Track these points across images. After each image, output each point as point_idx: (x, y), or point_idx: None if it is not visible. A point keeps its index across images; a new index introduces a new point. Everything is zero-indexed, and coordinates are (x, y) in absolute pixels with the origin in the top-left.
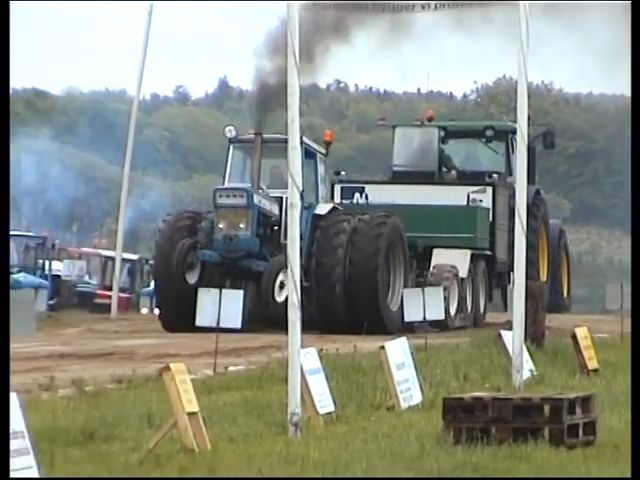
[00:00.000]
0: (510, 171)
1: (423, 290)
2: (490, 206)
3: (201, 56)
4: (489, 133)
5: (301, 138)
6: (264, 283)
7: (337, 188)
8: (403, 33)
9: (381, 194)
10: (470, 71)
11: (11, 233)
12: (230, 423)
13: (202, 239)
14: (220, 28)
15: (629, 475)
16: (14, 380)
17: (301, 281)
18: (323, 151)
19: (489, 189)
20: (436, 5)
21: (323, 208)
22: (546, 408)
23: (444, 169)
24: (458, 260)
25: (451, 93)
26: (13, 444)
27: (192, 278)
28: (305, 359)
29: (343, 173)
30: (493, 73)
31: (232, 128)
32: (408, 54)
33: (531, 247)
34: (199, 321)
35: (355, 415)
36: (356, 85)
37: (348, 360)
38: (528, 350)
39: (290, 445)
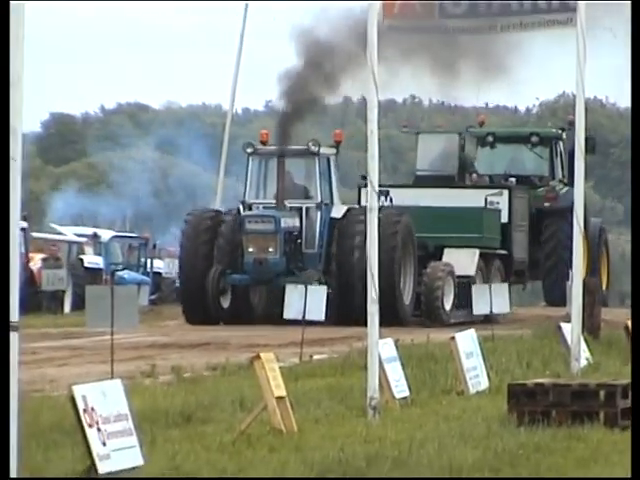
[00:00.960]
0: (553, 174)
1: (490, 286)
2: (506, 208)
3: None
4: (534, 139)
5: (318, 151)
6: None
7: (363, 192)
8: (470, 52)
9: (404, 197)
10: (533, 88)
11: (116, 234)
12: (315, 406)
13: (222, 256)
14: None
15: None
16: (119, 368)
17: (325, 282)
18: (334, 151)
19: (505, 192)
20: (501, 27)
21: (339, 210)
22: (601, 393)
23: (467, 173)
24: (466, 259)
25: (516, 107)
26: (118, 426)
27: (225, 302)
28: (383, 348)
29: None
30: (555, 90)
31: (250, 143)
32: (476, 72)
33: (566, 248)
34: (286, 314)
35: (428, 399)
36: (430, 99)
37: (422, 349)
38: (585, 341)
39: (369, 426)
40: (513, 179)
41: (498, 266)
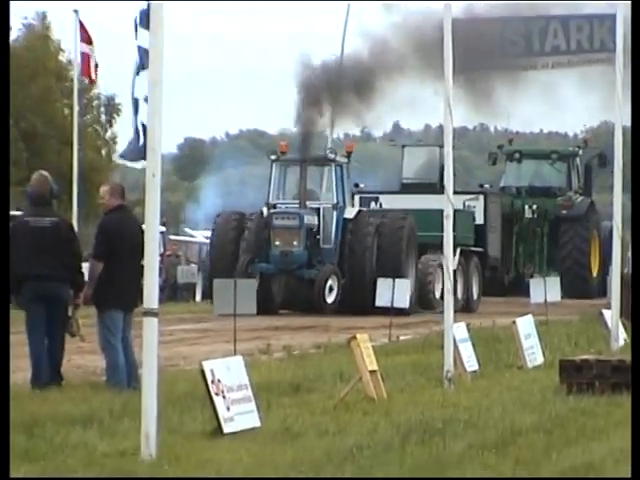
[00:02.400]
0: (570, 186)
1: (544, 279)
2: (482, 211)
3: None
4: (554, 156)
5: (334, 158)
6: (316, 288)
7: (356, 198)
8: (529, 87)
9: (392, 202)
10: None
11: None
12: (400, 378)
13: (249, 248)
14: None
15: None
16: (240, 346)
17: (339, 277)
18: (346, 160)
19: (481, 197)
20: (553, 64)
21: (351, 212)
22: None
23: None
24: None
25: (566, 133)
26: (239, 394)
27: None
28: (457, 330)
29: (362, 186)
30: (598, 118)
31: (274, 151)
32: (532, 103)
33: (580, 250)
34: (378, 302)
35: (493, 372)
36: (495, 127)
37: (489, 332)
38: (623, 324)
39: (445, 394)
40: (487, 185)
41: (476, 262)
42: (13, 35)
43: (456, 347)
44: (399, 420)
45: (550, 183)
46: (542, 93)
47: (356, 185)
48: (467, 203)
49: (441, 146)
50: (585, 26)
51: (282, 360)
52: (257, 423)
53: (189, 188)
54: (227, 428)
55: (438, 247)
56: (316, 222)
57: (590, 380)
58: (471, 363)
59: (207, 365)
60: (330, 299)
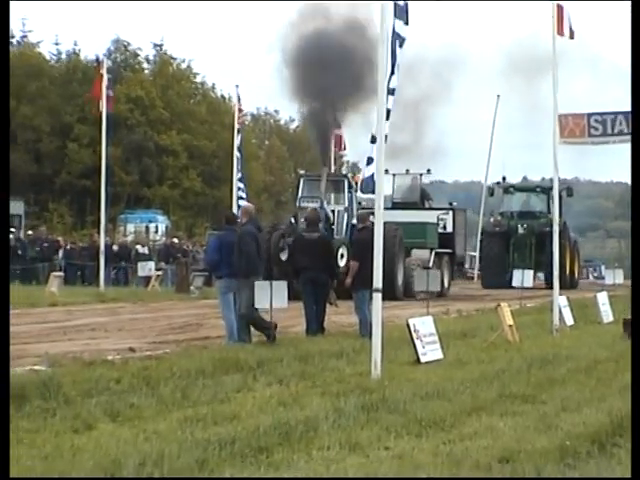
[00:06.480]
0: (549, 210)
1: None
2: (451, 222)
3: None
4: (537, 189)
5: (347, 176)
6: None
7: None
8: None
9: (386, 216)
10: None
11: None
12: (527, 329)
13: (286, 230)
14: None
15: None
16: (431, 310)
17: (348, 248)
18: (355, 186)
19: (451, 212)
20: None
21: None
22: None
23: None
24: (424, 255)
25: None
26: (430, 338)
27: (284, 256)
28: (561, 300)
29: (363, 203)
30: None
31: (302, 171)
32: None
33: (560, 253)
34: (514, 283)
35: (582, 326)
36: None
37: (581, 301)
38: None
39: (554, 339)
40: (455, 203)
41: (446, 260)
42: None
43: (560, 310)
44: (526, 354)
45: (535, 208)
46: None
47: (359, 203)
48: (440, 217)
49: (421, 174)
50: None
51: (456, 318)
52: (441, 356)
53: None
54: (423, 359)
55: (418, 248)
56: (332, 216)
57: None
58: (569, 320)
59: (411, 321)
60: (342, 263)
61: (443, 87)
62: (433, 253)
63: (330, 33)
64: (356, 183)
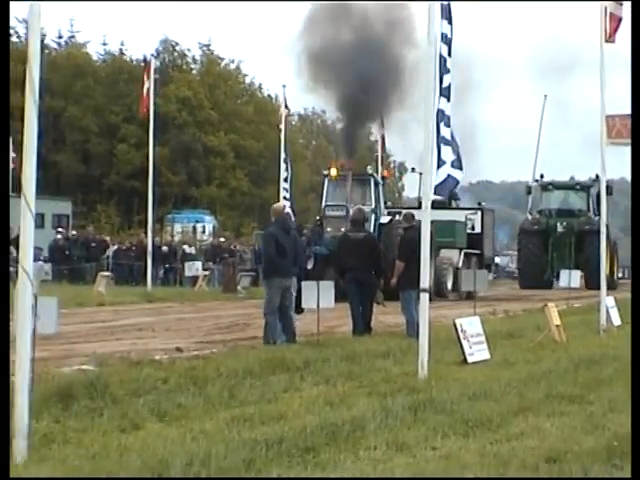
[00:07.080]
0: (589, 208)
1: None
2: (479, 223)
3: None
4: (577, 187)
5: (372, 174)
6: None
7: (385, 212)
8: None
9: (416, 216)
10: None
11: None
12: (574, 330)
13: (307, 235)
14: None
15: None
16: (478, 310)
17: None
18: (382, 182)
19: (479, 212)
20: None
21: (385, 219)
22: None
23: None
24: (454, 256)
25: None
26: (476, 339)
27: (310, 265)
28: (608, 301)
29: (389, 203)
30: None
31: (328, 171)
32: None
33: (597, 254)
34: (561, 284)
35: (626, 327)
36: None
37: (627, 302)
38: None
39: (601, 340)
40: (484, 203)
41: (475, 261)
42: None
43: (607, 311)
44: (573, 355)
45: (574, 206)
46: None
47: (385, 203)
48: (468, 217)
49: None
50: None
51: (502, 318)
52: (487, 356)
53: None
54: (470, 359)
55: (448, 247)
56: None
57: None
58: (617, 321)
59: (458, 321)
60: None
61: (490, 85)
62: (462, 253)
63: (370, 34)
64: (384, 178)
